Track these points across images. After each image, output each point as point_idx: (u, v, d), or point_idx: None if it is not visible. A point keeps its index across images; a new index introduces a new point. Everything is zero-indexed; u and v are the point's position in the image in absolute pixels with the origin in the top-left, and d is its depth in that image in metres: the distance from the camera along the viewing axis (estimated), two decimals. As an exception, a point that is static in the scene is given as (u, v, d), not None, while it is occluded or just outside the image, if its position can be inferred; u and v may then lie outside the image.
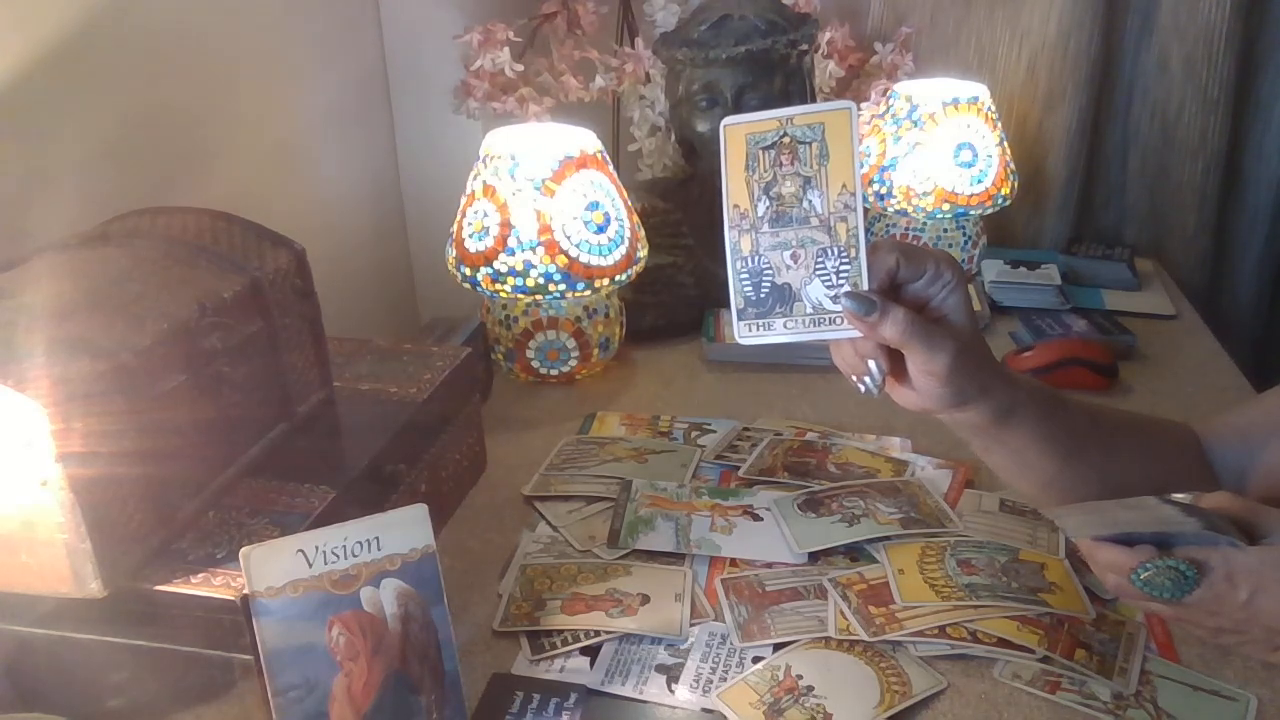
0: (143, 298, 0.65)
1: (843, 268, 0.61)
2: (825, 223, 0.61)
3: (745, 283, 0.62)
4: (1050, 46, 1.39)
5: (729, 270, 0.62)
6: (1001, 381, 0.66)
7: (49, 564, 0.58)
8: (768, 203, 0.61)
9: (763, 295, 0.62)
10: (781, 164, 0.61)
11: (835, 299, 0.61)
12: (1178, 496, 0.62)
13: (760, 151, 0.61)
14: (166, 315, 0.64)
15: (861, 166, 1.31)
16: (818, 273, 0.61)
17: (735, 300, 0.63)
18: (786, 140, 0.61)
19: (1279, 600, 0.59)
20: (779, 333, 0.62)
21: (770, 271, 0.62)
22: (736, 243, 0.62)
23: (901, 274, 0.63)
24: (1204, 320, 1.29)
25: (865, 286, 0.60)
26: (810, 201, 0.61)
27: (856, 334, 0.61)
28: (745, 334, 0.63)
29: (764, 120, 0.61)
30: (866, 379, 0.64)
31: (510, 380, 1.12)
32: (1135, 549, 0.60)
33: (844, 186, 0.61)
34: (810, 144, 0.60)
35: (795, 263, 0.62)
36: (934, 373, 0.63)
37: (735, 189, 0.61)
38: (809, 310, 0.62)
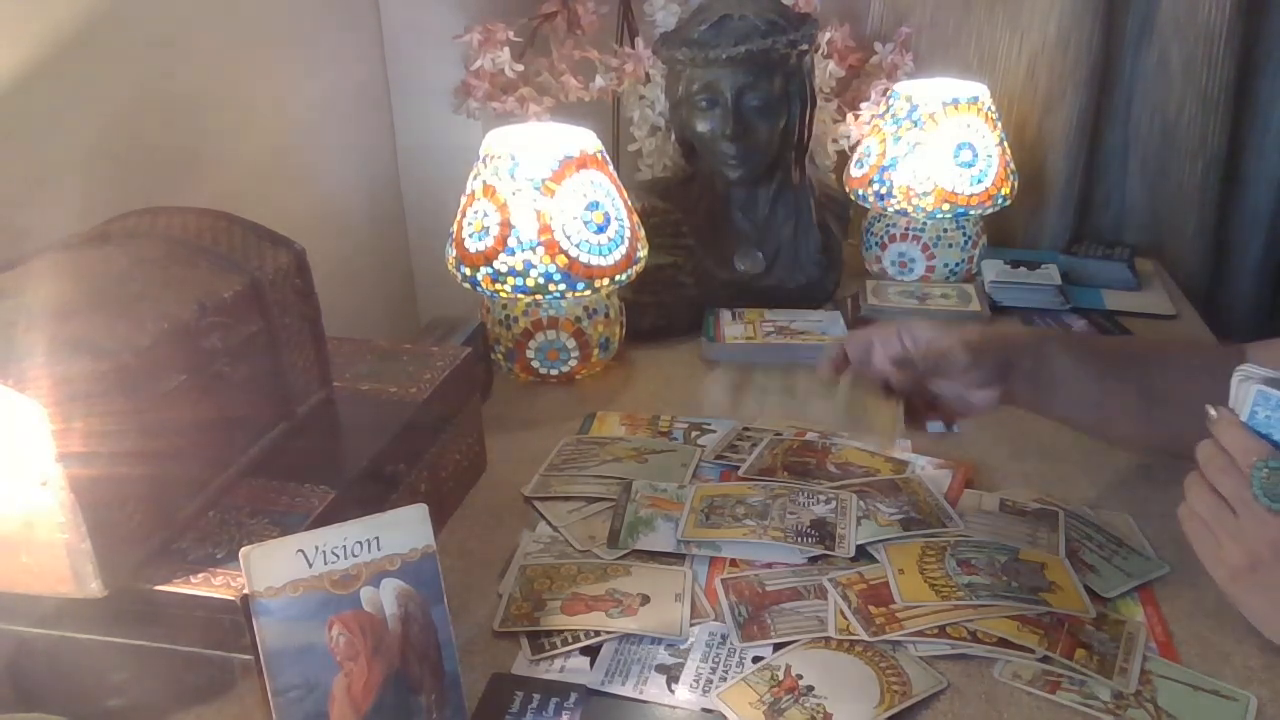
0: (143, 298, 0.65)
1: None
2: None
3: None
4: (1050, 46, 1.39)
5: None
6: (1012, 342, 0.84)
7: (49, 564, 0.58)
8: None
9: None
10: None
11: None
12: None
13: None
14: (166, 315, 0.64)
15: (861, 167, 1.33)
16: None
17: None
18: None
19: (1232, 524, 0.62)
20: None
21: None
22: None
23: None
24: (1204, 320, 1.29)
25: None
26: None
27: None
28: None
29: None
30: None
31: (510, 380, 1.12)
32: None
33: None
34: None
35: None
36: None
37: None
38: None
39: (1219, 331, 1.26)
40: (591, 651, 0.72)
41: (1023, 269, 1.33)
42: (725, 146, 1.18)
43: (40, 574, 0.59)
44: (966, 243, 1.32)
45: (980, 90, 1.28)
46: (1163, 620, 0.75)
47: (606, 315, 1.09)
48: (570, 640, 0.73)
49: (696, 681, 0.69)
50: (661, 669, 0.71)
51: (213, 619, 0.60)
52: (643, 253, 1.08)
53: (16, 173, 0.76)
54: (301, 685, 0.58)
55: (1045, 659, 0.70)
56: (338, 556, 0.60)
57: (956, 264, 1.33)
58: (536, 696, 0.68)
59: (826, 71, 1.36)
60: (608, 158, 1.06)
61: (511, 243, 1.00)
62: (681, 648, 0.72)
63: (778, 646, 0.72)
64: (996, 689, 0.69)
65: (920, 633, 0.72)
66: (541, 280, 1.00)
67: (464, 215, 1.04)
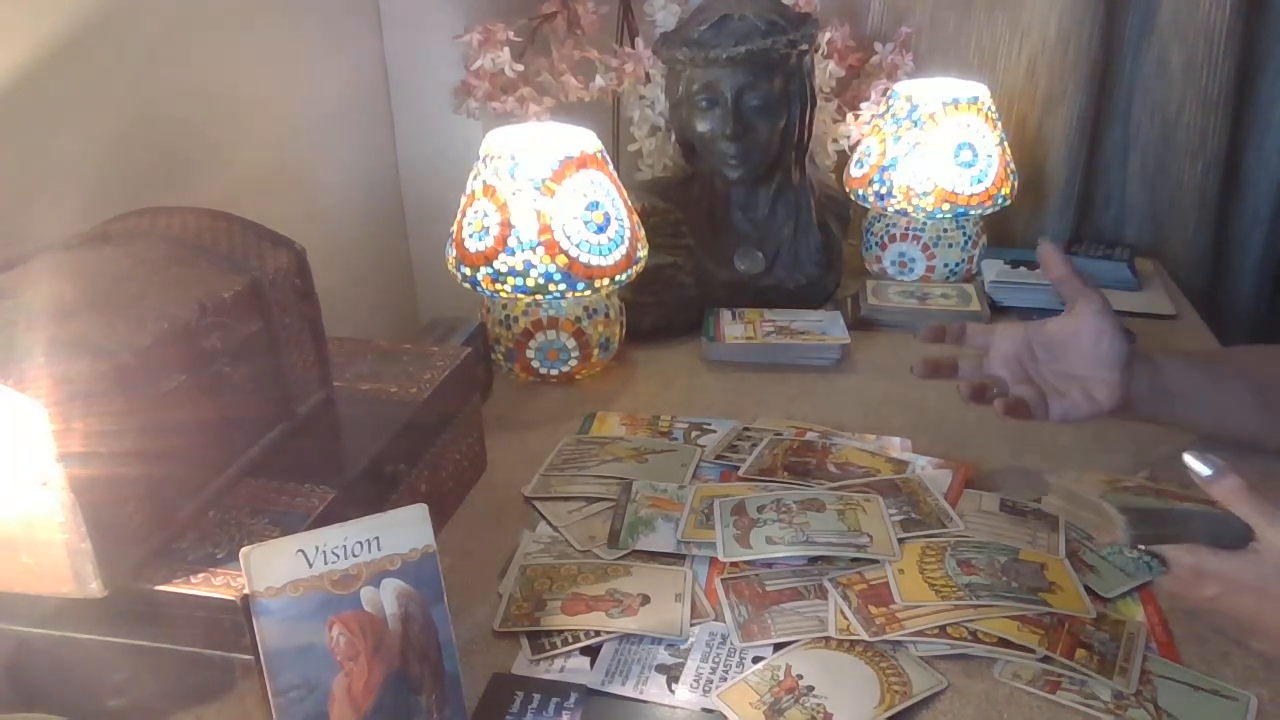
0: (143, 298, 0.65)
1: None
2: None
3: None
4: (1050, 46, 1.39)
5: None
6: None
7: (49, 564, 0.58)
8: None
9: None
10: None
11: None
12: (1195, 466, 0.66)
13: None
14: (166, 315, 0.64)
15: (861, 167, 1.33)
16: None
17: None
18: None
19: (1245, 605, 0.64)
20: None
21: None
22: None
23: None
24: (1204, 320, 1.29)
25: None
26: None
27: None
28: None
29: None
30: None
31: (510, 380, 1.12)
32: (1124, 529, 0.67)
33: None
34: None
35: None
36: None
37: None
38: None
39: (1219, 331, 1.26)
40: (592, 651, 0.72)
41: (1023, 269, 1.33)
42: (725, 146, 1.18)
43: (40, 574, 0.59)
44: (966, 243, 1.32)
45: (980, 90, 1.28)
46: (1163, 620, 0.75)
47: (606, 315, 1.09)
48: (570, 640, 0.73)
49: (697, 681, 0.69)
50: (662, 669, 0.71)
51: (213, 619, 0.60)
52: (643, 253, 1.08)
53: (17, 173, 0.76)
54: (302, 685, 0.58)
55: (1045, 659, 0.70)
56: (338, 556, 0.60)
57: (956, 264, 1.33)
58: (536, 696, 0.68)
59: (826, 71, 1.36)
60: (608, 158, 1.06)
61: (511, 243, 1.00)
62: (682, 648, 0.72)
63: (778, 646, 0.72)
64: (996, 689, 0.69)
65: (920, 633, 0.72)
66: (541, 280, 1.00)
67: (464, 215, 1.04)
